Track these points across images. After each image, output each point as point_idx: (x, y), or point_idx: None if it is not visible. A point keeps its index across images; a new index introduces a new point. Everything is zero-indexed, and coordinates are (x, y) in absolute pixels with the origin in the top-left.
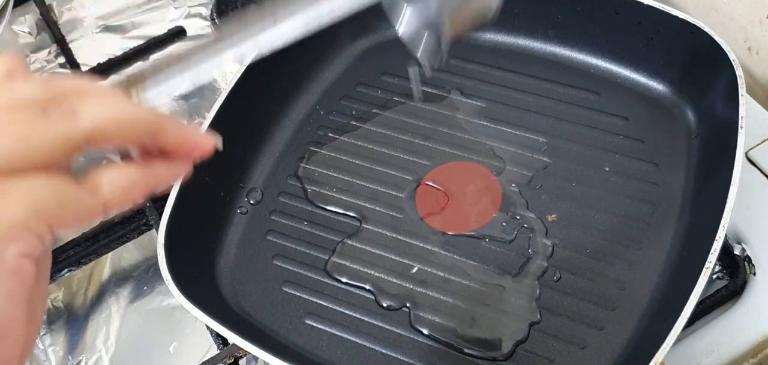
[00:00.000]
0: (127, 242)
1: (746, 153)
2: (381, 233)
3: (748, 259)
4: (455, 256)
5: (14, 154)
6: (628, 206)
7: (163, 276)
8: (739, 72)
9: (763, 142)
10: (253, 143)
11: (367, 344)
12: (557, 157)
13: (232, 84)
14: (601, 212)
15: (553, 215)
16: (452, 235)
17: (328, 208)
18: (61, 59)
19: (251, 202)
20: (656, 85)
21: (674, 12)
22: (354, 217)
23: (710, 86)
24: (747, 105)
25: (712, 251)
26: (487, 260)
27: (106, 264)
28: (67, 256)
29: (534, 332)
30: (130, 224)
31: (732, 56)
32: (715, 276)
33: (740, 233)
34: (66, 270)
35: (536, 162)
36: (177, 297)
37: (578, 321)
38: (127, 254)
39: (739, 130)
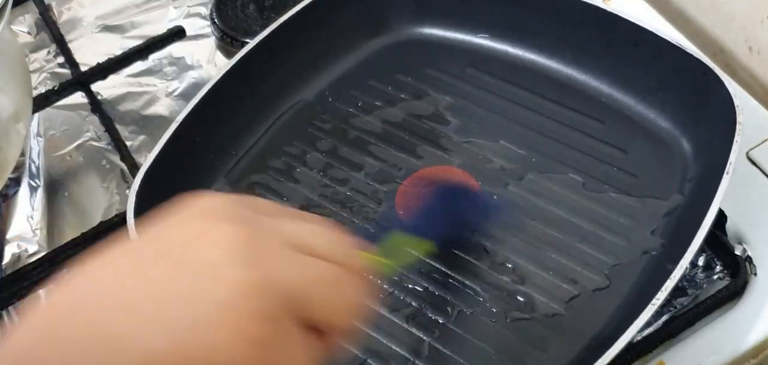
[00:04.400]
0: None
1: (747, 153)
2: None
3: (749, 259)
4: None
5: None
6: (604, 236)
7: None
8: (739, 119)
9: (763, 142)
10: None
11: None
12: (546, 177)
13: (234, 62)
14: (576, 238)
15: (524, 234)
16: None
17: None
18: (61, 59)
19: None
20: (662, 123)
21: (691, 50)
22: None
23: (713, 133)
24: (747, 105)
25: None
26: (458, 269)
27: None
28: (67, 256)
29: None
30: None
31: (737, 102)
32: (716, 276)
33: (741, 233)
34: (66, 271)
35: (521, 179)
36: None
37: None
38: None
39: (724, 175)
